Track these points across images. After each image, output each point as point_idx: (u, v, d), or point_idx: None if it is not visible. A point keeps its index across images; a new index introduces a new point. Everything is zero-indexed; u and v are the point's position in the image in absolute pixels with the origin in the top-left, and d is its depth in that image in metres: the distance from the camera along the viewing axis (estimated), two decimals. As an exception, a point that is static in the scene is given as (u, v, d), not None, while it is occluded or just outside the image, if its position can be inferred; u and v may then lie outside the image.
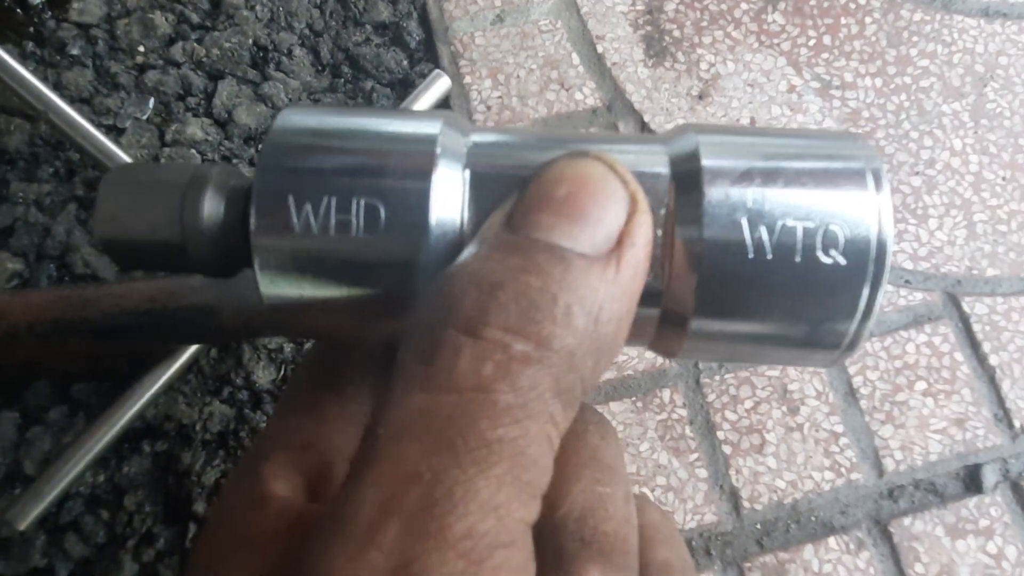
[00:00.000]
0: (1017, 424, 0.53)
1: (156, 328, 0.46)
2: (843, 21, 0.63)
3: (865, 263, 0.22)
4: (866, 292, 0.22)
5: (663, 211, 0.23)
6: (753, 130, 0.26)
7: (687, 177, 0.23)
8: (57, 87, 0.58)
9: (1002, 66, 0.62)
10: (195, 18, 0.61)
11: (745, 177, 0.22)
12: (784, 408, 0.52)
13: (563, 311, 0.19)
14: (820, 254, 0.22)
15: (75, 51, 0.59)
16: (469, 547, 0.17)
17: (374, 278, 0.23)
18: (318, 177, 0.23)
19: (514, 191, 0.22)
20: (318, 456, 0.26)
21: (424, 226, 0.22)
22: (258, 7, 0.61)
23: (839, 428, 0.52)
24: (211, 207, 0.25)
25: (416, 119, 0.25)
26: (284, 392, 0.29)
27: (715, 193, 0.22)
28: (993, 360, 0.54)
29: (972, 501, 0.51)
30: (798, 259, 0.22)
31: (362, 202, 0.23)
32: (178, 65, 0.59)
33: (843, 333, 0.23)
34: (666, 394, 0.53)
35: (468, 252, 0.21)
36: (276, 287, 0.24)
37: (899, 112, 0.61)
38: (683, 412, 0.52)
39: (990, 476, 0.52)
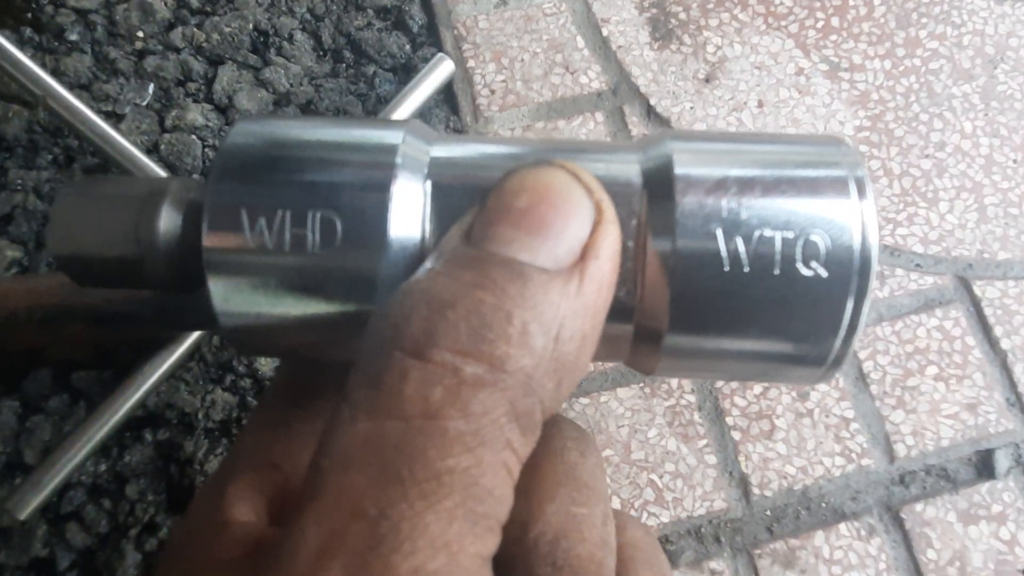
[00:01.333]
0: (1030, 409, 0.52)
1: (159, 314, 0.46)
2: (851, 3, 0.62)
3: (848, 275, 0.21)
4: (850, 306, 0.21)
5: (635, 222, 0.22)
6: (733, 136, 0.25)
7: (659, 186, 0.22)
8: (56, 73, 0.57)
9: (1012, 47, 0.62)
10: (195, 3, 0.60)
11: (720, 186, 0.21)
12: (794, 394, 0.52)
13: (518, 330, 0.18)
14: (800, 266, 0.21)
15: (74, 37, 0.59)
16: None
17: (332, 295, 0.22)
18: (272, 189, 0.22)
19: (476, 203, 0.21)
20: (281, 477, 0.25)
21: (383, 241, 0.21)
22: (257, -8, 0.60)
23: (850, 414, 0.52)
24: (168, 221, 0.24)
25: (378, 128, 0.24)
26: (256, 407, 0.29)
27: (688, 202, 0.21)
28: (1005, 344, 0.54)
29: (985, 487, 0.51)
30: (777, 271, 0.21)
31: (318, 215, 0.21)
32: (178, 50, 0.59)
33: (827, 349, 0.22)
34: (674, 380, 0.52)
35: (423, 268, 0.20)
36: (230, 305, 0.23)
37: (908, 95, 0.60)
38: (692, 398, 0.52)
39: (1003, 461, 0.51)
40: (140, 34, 0.59)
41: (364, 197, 0.22)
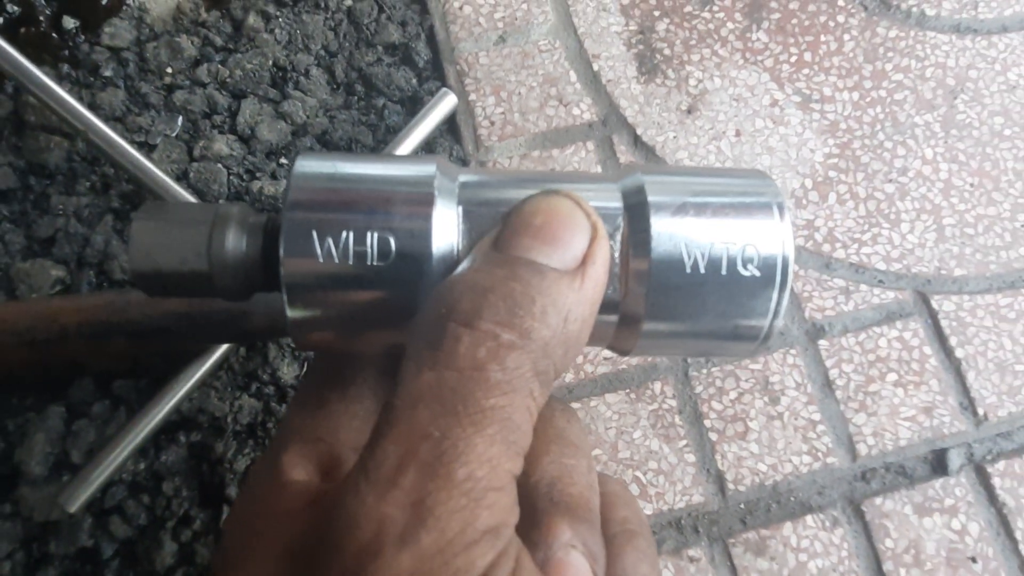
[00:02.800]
0: (981, 412, 0.57)
1: (193, 329, 0.51)
2: (823, 39, 0.67)
3: (774, 274, 0.28)
4: (775, 296, 0.28)
5: (618, 236, 0.28)
6: (686, 170, 0.32)
7: (636, 210, 0.28)
8: (92, 107, 0.62)
9: (972, 79, 0.67)
10: (219, 41, 0.65)
11: (681, 209, 0.28)
12: (766, 398, 0.57)
13: (540, 310, 0.24)
14: (741, 268, 0.28)
15: (108, 73, 0.64)
16: (469, 487, 0.21)
17: (384, 297, 0.27)
18: (337, 215, 0.27)
19: (497, 222, 0.27)
20: (327, 447, 0.30)
21: (428, 253, 0.27)
22: (277, 30, 0.66)
23: (816, 416, 0.57)
24: (234, 241, 0.29)
25: (413, 164, 0.29)
26: (297, 391, 0.34)
27: (659, 223, 0.28)
28: (959, 353, 0.59)
29: (938, 482, 0.56)
30: (724, 272, 0.28)
31: (375, 235, 0.27)
32: (204, 85, 0.64)
33: (760, 328, 0.29)
34: (657, 386, 0.57)
35: (462, 267, 0.26)
36: (300, 308, 0.28)
37: (874, 124, 0.65)
38: (673, 402, 0.57)
39: (955, 460, 0.56)
40: (169, 70, 0.64)
41: (412, 220, 0.27)
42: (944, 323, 0.59)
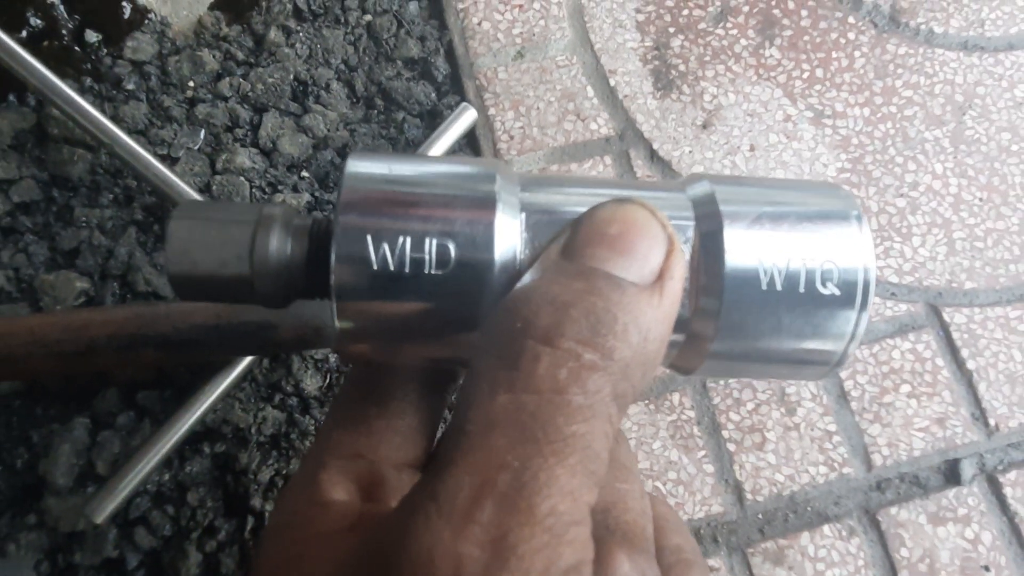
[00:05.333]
0: (993, 422, 0.59)
1: (221, 341, 0.51)
2: (834, 55, 0.69)
3: (854, 293, 0.26)
4: (855, 317, 0.26)
5: (688, 249, 0.27)
6: (754, 180, 0.30)
7: (708, 220, 0.27)
8: (115, 119, 0.63)
9: (979, 96, 0.68)
10: (240, 55, 0.66)
11: (758, 221, 0.26)
12: (783, 409, 0.58)
13: (622, 328, 0.22)
14: (820, 286, 0.26)
15: (130, 86, 0.64)
16: (552, 523, 0.20)
17: (441, 308, 0.26)
18: (394, 219, 0.25)
19: (560, 228, 0.26)
20: (368, 464, 0.28)
21: (491, 261, 0.25)
22: (297, 44, 0.67)
23: (832, 427, 0.58)
24: (278, 244, 0.27)
25: (471, 166, 0.28)
26: (332, 406, 0.32)
27: (733, 235, 0.26)
28: (971, 365, 0.60)
29: (952, 492, 0.57)
30: (802, 290, 0.26)
31: (434, 242, 0.25)
32: (226, 99, 0.65)
33: (835, 351, 0.27)
34: (676, 397, 0.58)
35: (530, 277, 0.24)
36: (351, 318, 0.26)
37: (885, 139, 0.66)
38: (691, 413, 0.58)
39: (968, 469, 0.57)
40: (191, 84, 0.65)
41: (474, 226, 0.25)
42: (956, 335, 0.61)
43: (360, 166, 0.27)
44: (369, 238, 0.25)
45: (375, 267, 0.25)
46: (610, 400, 0.22)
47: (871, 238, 0.26)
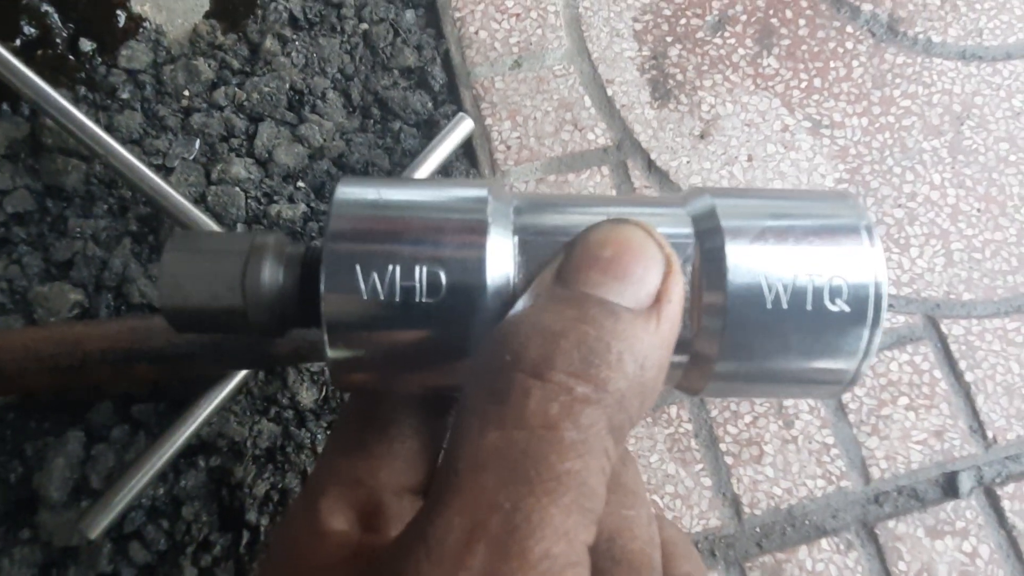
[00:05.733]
0: (990, 435, 0.58)
1: (217, 355, 0.51)
2: (832, 65, 0.68)
3: (866, 309, 0.25)
4: (867, 334, 0.25)
5: (690, 267, 0.26)
6: (758, 192, 0.29)
7: (709, 237, 0.26)
8: (109, 129, 0.62)
9: (977, 105, 0.68)
10: (235, 64, 0.66)
11: (761, 236, 0.25)
12: (780, 422, 0.58)
13: (616, 358, 0.21)
14: (828, 303, 0.25)
15: (125, 95, 0.64)
16: (547, 567, 0.19)
17: (434, 336, 0.25)
18: (383, 247, 0.25)
19: (555, 252, 0.25)
20: (367, 491, 0.28)
21: (482, 288, 0.25)
22: (294, 53, 0.66)
23: (830, 440, 0.58)
24: (270, 274, 0.27)
25: (463, 189, 0.27)
26: (332, 432, 0.32)
27: (736, 251, 0.25)
28: (969, 377, 0.60)
29: (950, 505, 0.57)
30: (809, 308, 0.25)
31: (424, 269, 0.24)
32: (221, 108, 0.64)
33: (847, 370, 0.26)
34: (673, 410, 0.58)
35: (523, 304, 0.24)
36: (342, 348, 0.26)
37: (883, 149, 0.66)
38: (689, 426, 0.58)
39: (966, 482, 0.57)
40: (186, 93, 0.65)
41: (464, 250, 0.25)
42: (954, 347, 0.60)
43: (348, 193, 0.26)
44: (358, 268, 0.25)
45: (365, 297, 0.25)
46: (605, 433, 0.21)
47: (882, 250, 0.25)
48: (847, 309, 0.25)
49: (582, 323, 0.22)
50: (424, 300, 0.25)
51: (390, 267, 0.25)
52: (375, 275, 0.25)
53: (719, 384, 0.27)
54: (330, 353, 0.26)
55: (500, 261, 0.25)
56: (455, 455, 0.21)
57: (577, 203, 0.28)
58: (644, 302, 0.23)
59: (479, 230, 0.25)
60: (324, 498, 0.27)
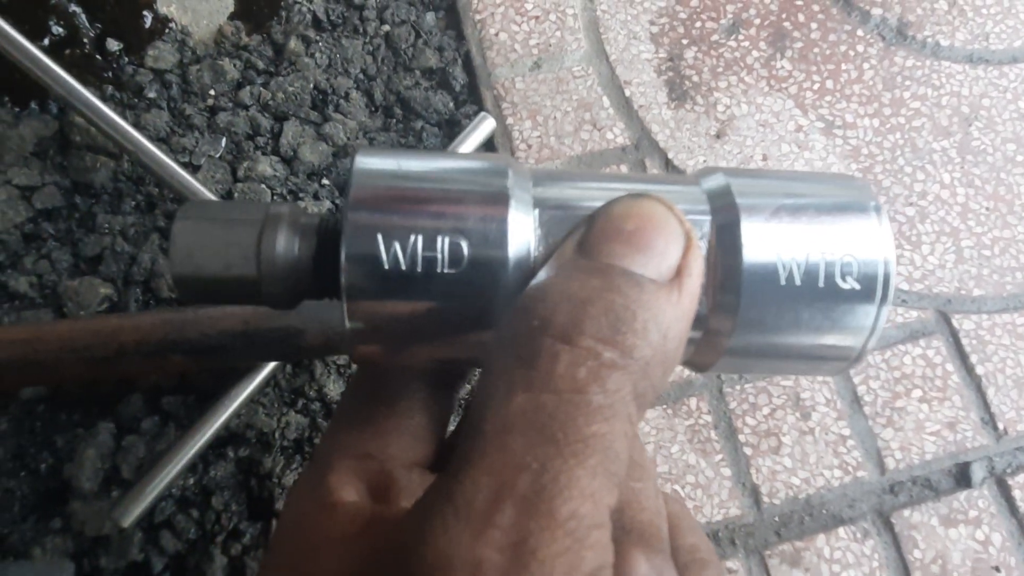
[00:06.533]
0: (1001, 426, 0.60)
1: (248, 347, 0.52)
2: (844, 67, 0.70)
3: (875, 288, 0.25)
4: (875, 311, 0.25)
5: (705, 244, 0.26)
6: (770, 172, 0.29)
7: (725, 214, 0.26)
8: (136, 127, 0.63)
9: (985, 107, 0.70)
10: (260, 64, 0.67)
11: (775, 215, 0.25)
12: (797, 414, 0.59)
13: (642, 326, 0.22)
14: (839, 281, 0.25)
15: (152, 94, 0.65)
16: (573, 527, 0.19)
17: (454, 307, 0.25)
18: (405, 217, 0.25)
19: (574, 225, 0.25)
20: (377, 464, 0.28)
21: (504, 259, 0.25)
22: (317, 54, 0.67)
23: (846, 431, 0.59)
24: (285, 244, 0.27)
25: (482, 161, 0.27)
26: (340, 406, 0.32)
27: (751, 228, 0.25)
28: (980, 370, 0.61)
29: (963, 495, 0.58)
30: (821, 285, 0.25)
31: (447, 240, 0.24)
32: (247, 107, 0.65)
33: (855, 346, 0.26)
34: (693, 402, 0.59)
35: (546, 274, 0.24)
36: (362, 318, 0.25)
37: (894, 149, 0.68)
38: (708, 418, 0.59)
39: (978, 472, 0.59)
40: (212, 92, 0.66)
41: (487, 222, 0.25)
42: (965, 341, 0.62)
43: (369, 162, 0.26)
44: (380, 236, 0.24)
45: (386, 266, 0.24)
46: (630, 399, 0.21)
47: (890, 230, 0.26)
48: (857, 287, 0.25)
49: (608, 291, 0.22)
50: (446, 271, 0.24)
51: (412, 237, 0.24)
52: (396, 244, 0.24)
53: (730, 359, 0.27)
54: (349, 324, 0.25)
55: (521, 232, 0.25)
56: (482, 417, 0.21)
57: (594, 178, 0.28)
58: (666, 274, 0.23)
59: (501, 201, 0.25)
60: (334, 472, 0.27)
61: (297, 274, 0.27)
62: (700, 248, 0.24)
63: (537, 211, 0.26)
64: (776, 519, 0.57)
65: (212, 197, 0.60)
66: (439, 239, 0.24)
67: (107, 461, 0.55)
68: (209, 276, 0.27)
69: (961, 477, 0.59)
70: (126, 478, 0.55)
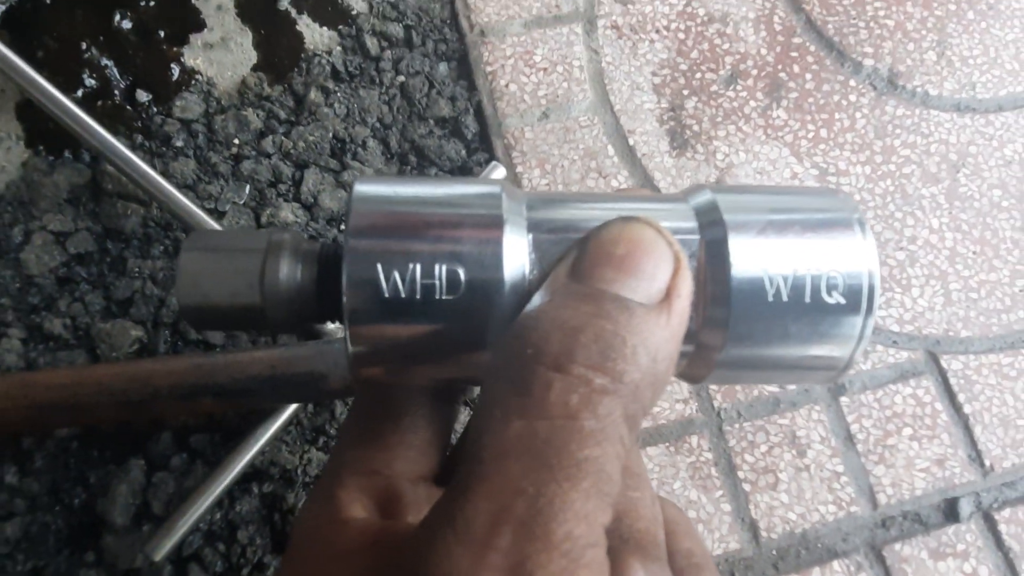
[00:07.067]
0: (988, 463, 0.63)
1: (275, 391, 0.55)
2: (837, 116, 0.73)
3: (860, 300, 0.26)
4: (860, 323, 0.26)
5: (694, 262, 0.27)
6: (755, 188, 0.30)
7: (713, 231, 0.27)
8: (164, 175, 0.67)
9: (972, 155, 0.73)
10: (282, 114, 0.70)
11: (763, 231, 0.26)
12: (794, 451, 0.62)
13: (631, 351, 0.23)
14: (825, 295, 0.26)
15: (179, 143, 0.68)
16: (568, 548, 0.20)
17: (453, 330, 0.26)
18: (403, 245, 0.25)
19: (567, 248, 0.26)
20: (384, 481, 0.29)
21: (500, 283, 0.25)
22: (336, 104, 0.71)
23: (840, 468, 0.62)
24: (288, 271, 0.28)
25: (476, 186, 0.28)
26: (345, 424, 0.33)
27: (739, 245, 0.26)
28: (967, 409, 0.64)
29: (951, 529, 0.61)
30: (808, 300, 0.26)
31: (444, 267, 0.25)
32: (269, 156, 0.69)
33: (842, 357, 0.27)
34: (694, 440, 0.62)
35: (539, 300, 0.25)
36: (363, 342, 0.26)
37: (885, 195, 0.71)
38: (709, 455, 0.62)
39: (966, 508, 0.61)
40: (236, 141, 0.69)
41: (482, 247, 0.25)
42: (953, 381, 0.65)
43: (367, 190, 0.27)
44: (379, 266, 0.25)
45: (387, 294, 0.25)
46: (621, 422, 0.22)
47: (874, 243, 0.27)
48: (843, 300, 0.26)
49: (598, 318, 0.23)
50: (444, 297, 0.25)
51: (410, 265, 0.25)
52: (396, 273, 0.25)
53: (722, 372, 0.28)
54: (352, 348, 0.26)
55: (516, 257, 0.26)
56: (479, 444, 0.22)
57: (585, 200, 0.29)
58: (655, 297, 0.24)
59: (496, 226, 0.26)
60: (342, 488, 0.28)
61: (300, 300, 0.28)
62: (688, 269, 0.25)
63: (531, 235, 0.27)
64: (774, 552, 0.60)
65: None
66: (436, 266, 0.25)
67: (138, 497, 0.58)
68: (215, 304, 0.28)
69: (950, 512, 0.62)
70: (156, 513, 0.58)
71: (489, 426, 0.22)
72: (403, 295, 0.25)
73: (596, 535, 0.21)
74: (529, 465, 0.21)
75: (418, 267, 0.25)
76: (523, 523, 0.20)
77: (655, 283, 0.24)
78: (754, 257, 0.26)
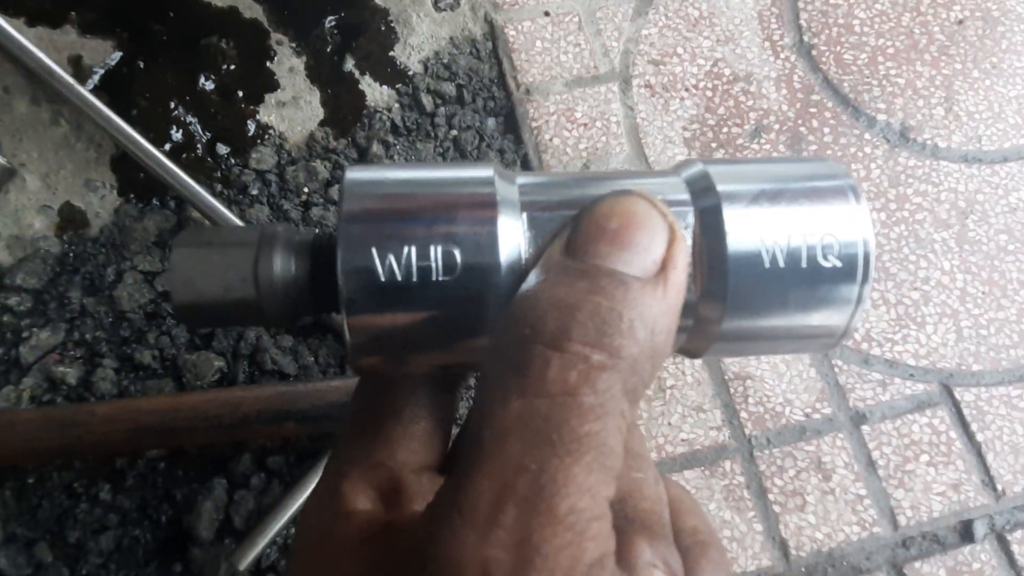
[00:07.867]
0: (1000, 487, 0.68)
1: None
2: (853, 167, 0.80)
3: (855, 265, 0.26)
4: (857, 288, 0.26)
5: (690, 233, 0.26)
6: (744, 160, 0.30)
7: (707, 202, 0.26)
8: (242, 219, 0.74)
9: (979, 202, 0.79)
10: (347, 165, 0.77)
11: (755, 200, 0.26)
12: (820, 476, 0.67)
13: (628, 326, 0.22)
14: (821, 260, 0.25)
15: (254, 191, 0.76)
16: (573, 521, 0.20)
17: (451, 313, 0.25)
18: (398, 228, 0.25)
19: (561, 225, 0.25)
20: (388, 472, 0.29)
21: (497, 263, 0.25)
22: (395, 156, 0.78)
23: (863, 491, 0.67)
24: (282, 264, 0.27)
25: (468, 168, 0.28)
26: (347, 418, 0.33)
27: (733, 215, 0.26)
28: (980, 437, 0.70)
29: (967, 549, 0.66)
30: (804, 265, 0.25)
31: (439, 249, 0.25)
32: (335, 203, 0.76)
33: (840, 324, 0.27)
34: (727, 464, 0.68)
35: (535, 278, 0.24)
36: (362, 330, 0.26)
37: (900, 240, 0.77)
38: (741, 479, 0.67)
39: (980, 529, 0.66)
40: (306, 190, 0.76)
41: (477, 227, 0.25)
42: (966, 411, 0.70)
43: (360, 176, 0.27)
44: (374, 250, 0.25)
45: (383, 279, 0.25)
46: (621, 396, 0.22)
47: (868, 209, 0.26)
48: (839, 265, 0.26)
49: (594, 294, 0.23)
50: (440, 279, 0.25)
51: (406, 248, 0.25)
52: (391, 256, 0.25)
53: (722, 344, 0.28)
54: (349, 336, 0.26)
55: (511, 237, 0.26)
56: (480, 424, 0.22)
57: (578, 178, 0.29)
58: (651, 270, 0.24)
59: (490, 207, 0.25)
60: (346, 481, 0.28)
61: (296, 292, 0.28)
62: (685, 240, 0.25)
63: (525, 214, 0.26)
64: (803, 570, 0.65)
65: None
66: (432, 248, 0.25)
67: (221, 512, 0.64)
68: (210, 301, 0.27)
69: (965, 533, 0.67)
70: (238, 528, 0.64)
71: (489, 408, 0.22)
72: (399, 278, 0.25)
73: (601, 508, 0.21)
74: (530, 442, 0.21)
75: (413, 249, 0.25)
76: (526, 499, 0.20)
77: (650, 255, 0.24)
78: (749, 226, 0.25)
